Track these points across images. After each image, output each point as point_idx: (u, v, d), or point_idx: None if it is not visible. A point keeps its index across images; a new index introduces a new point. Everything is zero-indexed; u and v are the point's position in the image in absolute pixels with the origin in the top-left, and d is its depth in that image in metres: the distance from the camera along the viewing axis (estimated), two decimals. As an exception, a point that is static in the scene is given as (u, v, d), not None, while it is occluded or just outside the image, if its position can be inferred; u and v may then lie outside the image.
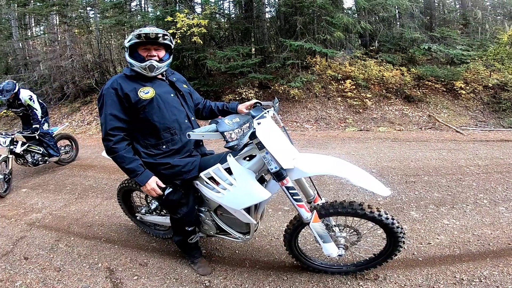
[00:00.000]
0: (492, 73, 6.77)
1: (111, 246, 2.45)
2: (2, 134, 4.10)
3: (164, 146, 1.74)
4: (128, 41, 1.64)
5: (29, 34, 11.74)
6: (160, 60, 1.70)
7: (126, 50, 1.69)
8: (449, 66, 7.47)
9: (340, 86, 7.11)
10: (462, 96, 6.49)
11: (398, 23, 9.04)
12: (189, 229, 1.94)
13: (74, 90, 9.79)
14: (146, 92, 1.68)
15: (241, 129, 1.39)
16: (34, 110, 4.19)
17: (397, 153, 4.32)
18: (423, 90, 6.78)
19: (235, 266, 2.08)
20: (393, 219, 1.60)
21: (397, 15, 8.99)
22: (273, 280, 1.92)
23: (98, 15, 10.79)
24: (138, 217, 2.41)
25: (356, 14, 8.44)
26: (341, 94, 6.99)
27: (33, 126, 4.19)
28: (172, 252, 2.30)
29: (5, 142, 3.98)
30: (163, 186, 1.73)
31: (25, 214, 3.20)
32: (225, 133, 1.34)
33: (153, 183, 1.69)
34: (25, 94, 4.12)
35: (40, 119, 4.23)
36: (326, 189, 3.20)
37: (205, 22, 6.56)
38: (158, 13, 8.07)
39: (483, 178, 3.28)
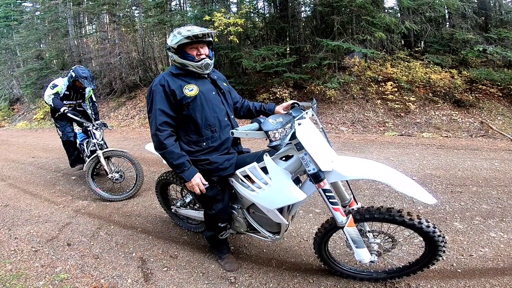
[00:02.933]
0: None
1: (146, 237, 2.55)
2: (94, 125, 3.55)
3: (204, 143, 1.78)
4: (177, 42, 1.67)
5: (83, 32, 12.79)
6: (208, 57, 1.74)
7: (173, 50, 1.72)
8: (507, 69, 6.74)
9: (380, 88, 6.77)
10: (522, 102, 5.82)
11: (448, 23, 8.39)
12: (222, 225, 1.96)
13: (121, 85, 10.49)
14: (191, 90, 1.72)
15: (284, 129, 1.39)
16: (95, 103, 4.09)
17: (443, 161, 3.99)
18: (476, 95, 6.19)
19: (261, 265, 2.07)
20: (434, 227, 1.51)
21: (446, 15, 8.33)
22: (299, 282, 1.88)
23: (142, 14, 11.44)
24: (173, 210, 2.49)
25: (399, 14, 7.97)
26: (381, 97, 6.65)
27: (101, 121, 3.76)
28: (201, 247, 2.34)
29: (100, 136, 3.53)
30: (207, 183, 1.76)
31: (72, 201, 3.44)
32: (269, 132, 1.34)
33: (198, 179, 1.73)
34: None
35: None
36: (362, 194, 3.06)
37: (241, 21, 6.63)
38: (196, 12, 8.33)
39: (542, 192, 2.92)
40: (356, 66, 7.22)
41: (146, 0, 10.66)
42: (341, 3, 6.59)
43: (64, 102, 3.73)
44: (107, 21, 11.76)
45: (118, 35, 10.93)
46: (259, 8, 9.54)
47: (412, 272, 1.73)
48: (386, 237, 1.70)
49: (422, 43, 8.17)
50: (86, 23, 13.07)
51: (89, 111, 3.98)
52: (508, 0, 9.71)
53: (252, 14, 8.71)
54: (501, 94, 6.13)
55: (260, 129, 1.37)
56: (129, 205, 3.20)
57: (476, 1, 8.41)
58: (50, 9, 12.27)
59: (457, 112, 6.01)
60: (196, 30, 1.65)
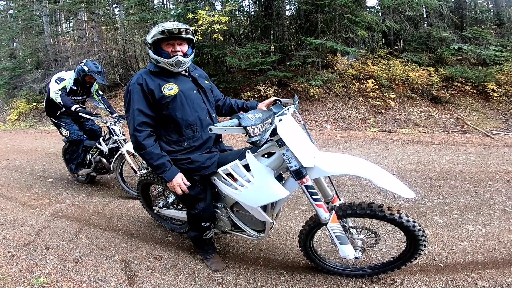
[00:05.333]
0: (528, 74, 6.32)
1: (128, 239, 2.50)
2: (111, 121, 3.28)
3: (185, 143, 1.74)
4: (151, 37, 1.63)
5: (59, 30, 12.29)
6: (185, 55, 1.69)
7: (149, 46, 1.69)
8: (481, 67, 7.06)
9: (362, 86, 6.91)
10: (494, 98, 6.11)
11: (426, 22, 8.67)
12: (205, 224, 1.94)
13: (100, 85, 10.13)
14: (170, 89, 1.68)
15: (263, 125, 1.37)
16: (103, 96, 3.81)
17: (422, 156, 4.13)
18: (452, 92, 6.45)
19: (248, 264, 2.07)
20: (414, 221, 1.55)
21: (424, 14, 8.61)
22: (286, 280, 1.89)
23: (123, 12, 11.12)
24: (155, 211, 2.44)
25: (380, 13, 8.16)
26: (362, 94, 6.79)
27: (117, 114, 3.54)
28: (186, 247, 2.31)
29: (120, 131, 3.27)
30: (188, 183, 1.74)
31: (50, 204, 3.32)
32: (248, 128, 1.32)
33: (179, 179, 1.70)
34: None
35: None
36: (345, 190, 3.11)
37: (226, 19, 6.58)
38: (179, 10, 8.19)
39: (515, 185, 3.08)
40: (339, 64, 7.33)
41: (128, -2, 10.37)
42: (325, 2, 6.65)
43: (71, 97, 3.35)
44: (85, 19, 11.34)
45: (97, 33, 10.58)
46: (243, 6, 9.49)
47: (396, 267, 1.77)
48: (369, 233, 1.73)
49: (401, 42, 8.39)
50: (63, 21, 12.54)
51: (101, 106, 3.70)
52: (483, -1, 10.16)
53: (236, 12, 8.65)
54: (475, 91, 6.41)
55: (239, 125, 1.36)
56: (110, 207, 3.11)
57: (452, 0, 8.73)
58: (24, 7, 11.70)
59: (434, 109, 6.24)
60: (170, 25, 1.60)
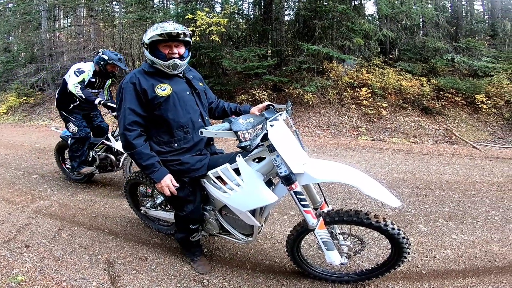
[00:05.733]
0: (516, 88, 6.49)
1: (113, 239, 2.48)
2: None
3: (176, 144, 1.74)
4: (149, 38, 1.63)
5: (57, 25, 12.16)
6: (181, 57, 1.70)
7: (145, 46, 1.69)
8: (472, 78, 7.21)
9: (355, 94, 7.00)
10: (483, 110, 6.25)
11: (422, 32, 8.82)
12: (193, 227, 1.94)
13: (94, 81, 10.06)
14: (163, 89, 1.68)
15: (254, 130, 1.38)
16: (110, 91, 3.78)
17: (410, 165, 4.21)
18: (442, 102, 6.58)
19: (235, 267, 2.08)
20: (399, 229, 1.59)
21: (421, 23, 8.75)
22: (273, 285, 1.90)
23: (123, 10, 11.07)
24: (142, 211, 2.44)
25: (378, 21, 8.29)
26: (356, 102, 6.88)
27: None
28: (173, 249, 2.31)
29: None
30: (177, 185, 1.73)
31: (33, 201, 3.27)
32: (239, 133, 1.33)
33: (168, 180, 1.70)
34: None
35: None
36: (334, 197, 3.16)
37: (224, 21, 6.60)
38: (179, 10, 8.19)
39: (497, 195, 3.19)
40: (334, 71, 7.42)
41: (128, -5, 10.32)
42: (324, 8, 6.74)
43: (88, 88, 3.25)
44: (84, 15, 11.24)
45: (95, 29, 10.50)
46: (243, 9, 9.54)
47: (380, 274, 1.80)
48: (356, 239, 1.76)
49: (396, 51, 8.52)
50: (61, 16, 12.42)
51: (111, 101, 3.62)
52: (479, 10, 10.37)
53: (236, 15, 8.69)
54: (465, 103, 6.55)
55: (230, 129, 1.36)
56: (95, 206, 3.09)
57: (449, 10, 8.90)
58: (23, 1, 11.56)
59: (424, 119, 6.36)
60: (169, 27, 1.61)
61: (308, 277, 1.92)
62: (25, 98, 10.30)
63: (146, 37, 1.65)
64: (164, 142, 1.75)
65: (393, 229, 1.56)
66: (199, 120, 1.81)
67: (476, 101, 6.35)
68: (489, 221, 2.66)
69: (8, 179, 3.97)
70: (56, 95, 3.49)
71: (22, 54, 12.03)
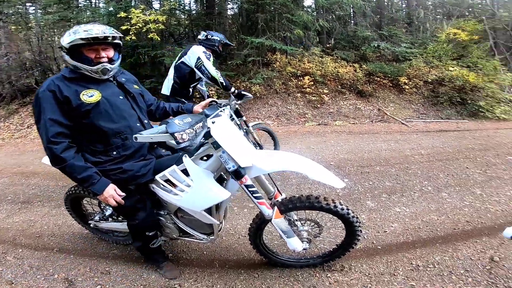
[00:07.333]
0: (431, 69, 7.51)
1: (66, 256, 2.30)
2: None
3: (114, 152, 1.64)
4: (69, 43, 1.47)
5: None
6: (111, 61, 1.58)
7: (65, 51, 1.52)
8: (395, 63, 8.13)
9: (299, 82, 7.35)
10: (406, 90, 7.12)
11: (353, 21, 9.54)
12: (150, 234, 1.88)
13: (10, 90, 8.81)
14: (90, 96, 1.54)
15: (193, 129, 1.35)
16: None
17: (352, 145, 4.61)
18: (373, 86, 7.30)
19: (205, 268, 2.08)
20: (348, 209, 1.68)
21: (351, 13, 9.46)
22: (245, 279, 1.95)
23: (40, 11, 9.74)
24: (92, 225, 2.27)
25: (315, 12, 8.73)
26: (300, 90, 7.23)
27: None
28: (136, 258, 2.22)
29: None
30: (123, 194, 1.64)
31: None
32: (176, 134, 1.29)
33: (111, 190, 1.60)
34: None
35: None
36: (289, 184, 3.30)
37: (163, 18, 6.30)
38: (111, 8, 7.54)
39: (427, 166, 3.64)
40: (278, 62, 7.67)
41: (46, -5, 9.06)
42: (265, 1, 6.83)
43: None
44: (-10, 20, 9.59)
45: (5, 33, 9.09)
46: (184, 4, 9.15)
47: (342, 254, 1.91)
48: (313, 224, 1.86)
49: (332, 40, 9.13)
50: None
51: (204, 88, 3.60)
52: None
53: (177, 11, 8.31)
54: (391, 85, 7.38)
55: (167, 131, 1.31)
56: (36, 226, 2.79)
57: (374, 0, 9.76)
58: None
59: (360, 101, 7.00)
60: (95, 30, 1.47)
61: (277, 266, 1.99)
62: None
63: (65, 41, 1.49)
64: (100, 152, 1.63)
65: (342, 209, 1.66)
66: (138, 124, 1.71)
67: (400, 83, 7.20)
68: (424, 192, 2.97)
69: None
70: (172, 80, 3.24)
71: None
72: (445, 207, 2.69)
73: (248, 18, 7.98)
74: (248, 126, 3.32)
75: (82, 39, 1.45)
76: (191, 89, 3.35)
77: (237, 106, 3.15)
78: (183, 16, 8.85)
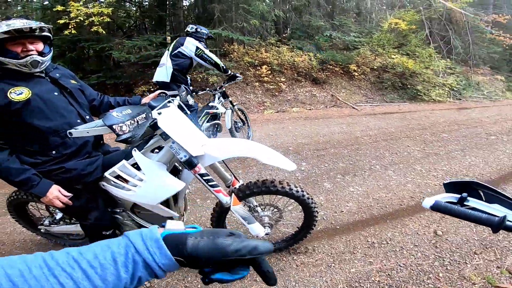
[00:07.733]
0: (376, 57, 8.10)
1: (19, 265, 2.14)
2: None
3: (54, 152, 1.53)
4: None
5: None
6: (41, 54, 1.47)
7: None
8: (345, 51, 8.60)
9: (257, 72, 7.44)
10: (355, 77, 7.62)
11: (308, 11, 9.80)
12: (107, 233, 1.80)
13: None
14: (19, 93, 1.42)
15: (134, 121, 1.30)
16: None
17: (309, 130, 4.84)
18: (326, 73, 7.68)
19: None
20: (302, 191, 1.70)
21: (307, 3, 9.69)
22: (212, 269, 1.98)
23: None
24: (42, 230, 2.12)
25: (272, 2, 8.80)
26: (258, 79, 7.33)
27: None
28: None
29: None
30: (69, 194, 1.56)
31: None
32: (114, 126, 1.22)
33: (55, 191, 1.51)
34: None
35: None
36: (250, 171, 3.35)
37: (108, 10, 5.88)
38: (46, 2, 6.83)
39: (374, 146, 3.98)
40: (235, 53, 7.65)
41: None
42: (222, -9, 6.74)
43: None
44: None
45: None
46: None
47: (304, 236, 1.92)
48: (273, 208, 1.85)
49: (288, 30, 9.32)
50: None
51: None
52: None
53: (126, 3, 7.78)
54: (342, 72, 7.83)
55: (104, 124, 1.25)
56: None
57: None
58: None
59: (315, 88, 7.34)
60: (18, 23, 1.37)
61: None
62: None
63: None
64: (37, 152, 1.52)
65: (297, 191, 1.66)
66: (78, 121, 1.60)
67: (350, 70, 7.67)
68: (373, 170, 3.19)
69: None
70: (172, 67, 3.48)
71: None
72: (391, 184, 2.90)
73: (204, 8, 7.79)
74: (233, 105, 3.87)
75: (4, 32, 1.33)
76: (188, 76, 3.71)
77: (224, 88, 3.78)
78: (134, 8, 8.35)
